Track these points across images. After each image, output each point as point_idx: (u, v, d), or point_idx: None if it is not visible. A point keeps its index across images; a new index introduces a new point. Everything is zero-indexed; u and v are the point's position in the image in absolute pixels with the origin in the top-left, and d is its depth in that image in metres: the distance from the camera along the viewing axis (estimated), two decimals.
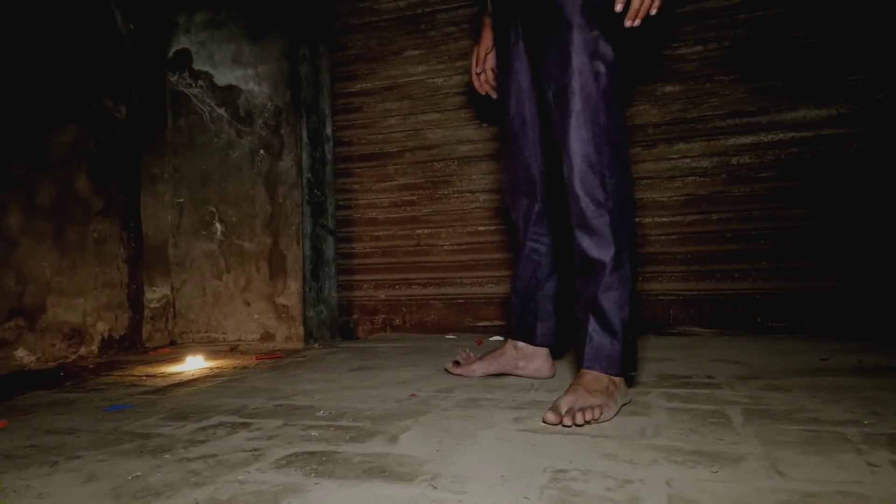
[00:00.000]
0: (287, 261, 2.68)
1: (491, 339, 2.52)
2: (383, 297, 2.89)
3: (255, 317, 2.71)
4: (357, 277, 2.93)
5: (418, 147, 2.84)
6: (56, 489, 0.88)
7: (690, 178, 2.43)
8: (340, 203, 2.95)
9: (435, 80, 2.80)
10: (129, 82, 2.68)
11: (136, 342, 2.67)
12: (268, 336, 2.69)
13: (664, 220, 2.45)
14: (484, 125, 2.72)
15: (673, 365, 1.75)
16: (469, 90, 2.65)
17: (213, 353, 2.46)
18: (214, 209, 2.80)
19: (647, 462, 0.89)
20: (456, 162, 2.78)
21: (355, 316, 2.93)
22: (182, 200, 2.85)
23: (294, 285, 2.66)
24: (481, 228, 2.74)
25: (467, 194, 2.76)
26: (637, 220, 2.44)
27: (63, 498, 0.84)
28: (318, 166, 2.79)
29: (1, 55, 2.11)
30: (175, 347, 2.73)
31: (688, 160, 2.43)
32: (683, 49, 2.42)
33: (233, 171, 2.77)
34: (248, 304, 2.73)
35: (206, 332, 2.79)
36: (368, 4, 2.90)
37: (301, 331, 2.64)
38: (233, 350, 2.59)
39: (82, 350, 2.40)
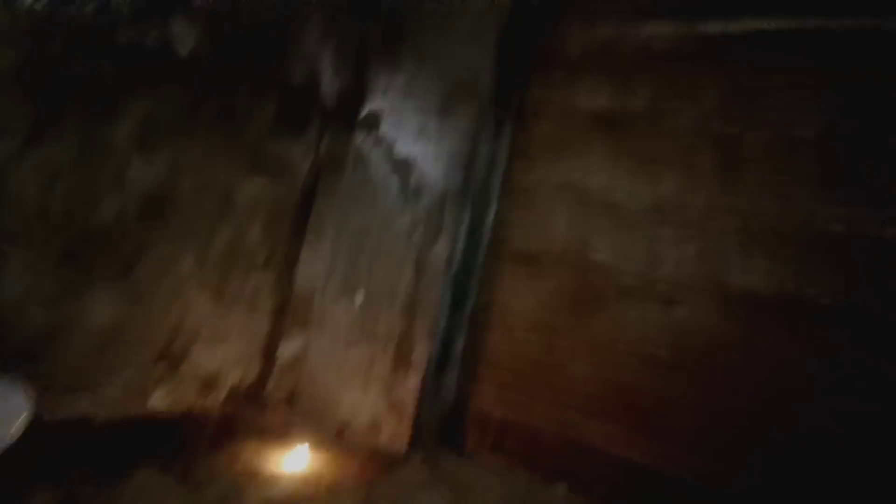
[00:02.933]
0: (414, 353, 2.60)
1: None
2: (499, 414, 2.68)
3: (369, 403, 2.66)
4: (478, 386, 2.76)
5: (578, 263, 2.60)
6: None
7: None
8: (481, 299, 2.81)
9: (617, 192, 2.52)
10: (320, 137, 2.78)
11: (259, 394, 2.76)
12: (375, 427, 2.62)
13: None
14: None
15: None
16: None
17: (317, 442, 2.45)
18: (362, 277, 2.81)
19: None
20: (615, 290, 2.50)
21: (467, 423, 2.77)
22: (336, 260, 2.91)
23: (413, 381, 2.57)
24: (625, 379, 2.43)
25: (618, 330, 2.47)
26: None
27: None
28: (469, 259, 2.69)
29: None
30: (291, 409, 2.77)
31: None
32: None
33: (388, 241, 2.75)
34: (366, 384, 2.70)
35: (323, 399, 2.80)
36: (562, 97, 2.71)
37: (408, 432, 2.54)
38: (339, 435, 2.56)
39: (210, 398, 2.51)
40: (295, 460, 2.17)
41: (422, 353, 2.58)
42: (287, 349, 2.86)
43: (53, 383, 1.93)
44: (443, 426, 2.72)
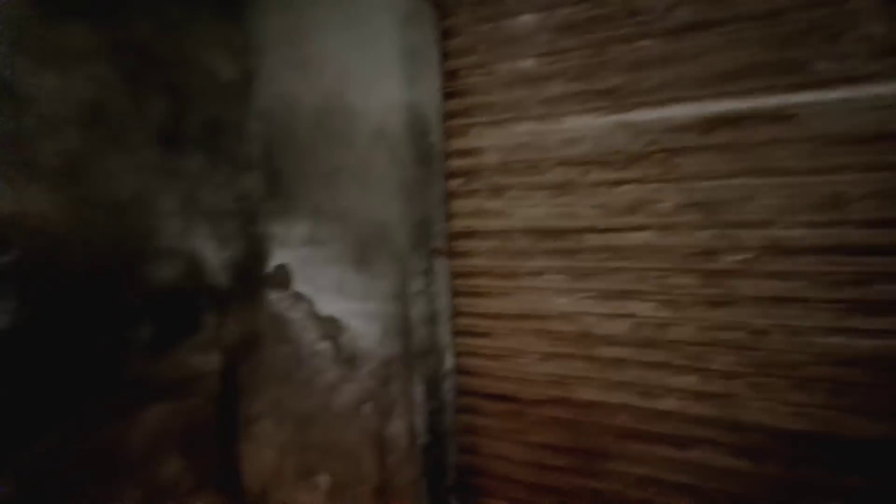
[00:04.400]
0: None
1: None
2: None
3: None
4: None
5: (562, 401, 2.16)
6: None
7: None
8: (465, 447, 2.38)
9: (587, 314, 2.09)
10: (220, 324, 2.30)
11: None
12: None
13: None
14: (655, 391, 1.97)
15: None
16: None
17: None
18: (318, 460, 2.38)
19: None
20: (616, 433, 2.07)
21: None
22: (283, 455, 2.48)
23: None
24: None
25: (630, 478, 2.04)
26: None
27: None
28: (435, 417, 2.25)
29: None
30: None
31: None
32: None
33: (337, 421, 2.33)
34: None
35: None
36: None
37: None
38: None
39: None
40: None
41: None
42: None
43: None
44: None
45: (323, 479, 2.38)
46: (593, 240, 2.05)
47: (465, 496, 2.37)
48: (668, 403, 1.96)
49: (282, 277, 2.36)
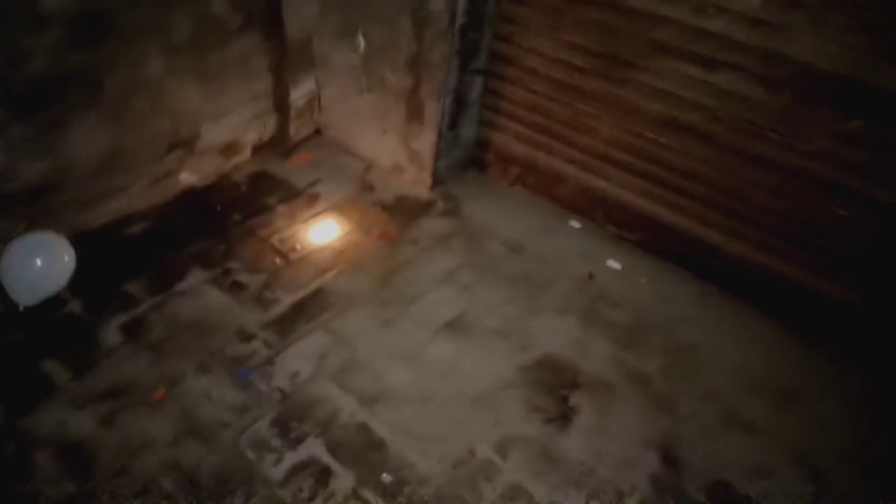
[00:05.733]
0: (425, 112, 2.46)
1: (607, 263, 2.41)
2: (521, 152, 2.66)
3: (390, 147, 2.69)
4: (500, 120, 2.66)
5: (609, 5, 2.10)
6: None
7: None
8: (500, 34, 2.43)
9: None
10: None
11: (284, 138, 2.82)
12: (398, 169, 2.72)
13: None
14: (709, 10, 1.91)
15: None
16: None
17: (347, 173, 2.68)
18: (358, 22, 2.45)
19: None
20: (650, 45, 2.09)
21: (490, 156, 2.79)
22: (324, 9, 2.50)
23: (429, 136, 2.52)
24: (648, 134, 2.25)
25: (649, 90, 2.17)
26: None
27: None
28: (478, 7, 2.23)
29: None
30: (318, 142, 2.86)
31: None
32: None
33: None
34: (384, 131, 2.67)
35: (345, 136, 2.85)
36: None
37: (429, 178, 2.64)
38: (366, 173, 2.71)
39: (236, 159, 2.63)
40: (324, 231, 2.38)
41: (432, 111, 2.44)
42: (298, 95, 2.75)
43: (80, 204, 2.11)
44: (465, 159, 2.78)
45: (360, 41, 2.49)
46: None
47: (489, 79, 2.53)
48: (717, 24, 1.91)
49: None
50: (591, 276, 2.32)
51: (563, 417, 1.79)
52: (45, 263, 1.84)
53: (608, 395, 1.87)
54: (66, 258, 1.89)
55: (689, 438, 1.76)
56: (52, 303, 1.90)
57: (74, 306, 1.93)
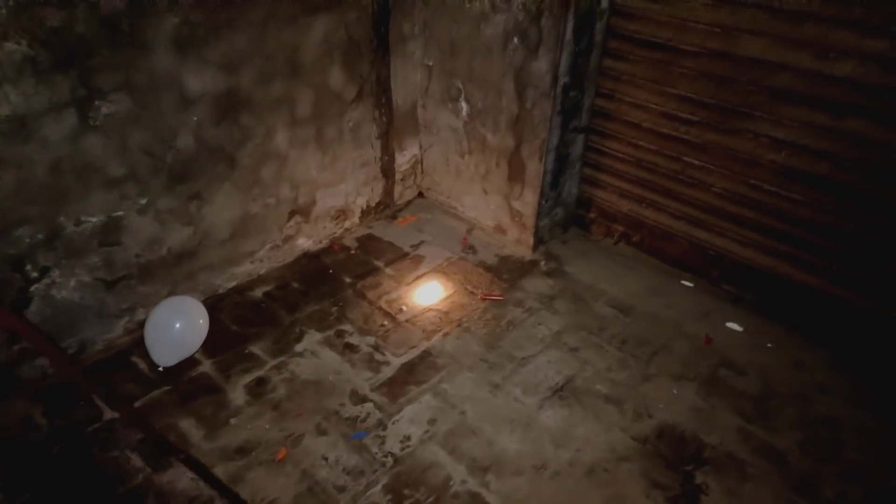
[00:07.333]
0: (526, 171, 2.49)
1: (727, 325, 2.26)
2: (626, 209, 2.61)
3: (491, 207, 2.73)
4: (603, 177, 2.63)
5: (722, 54, 2.05)
6: None
7: None
8: (602, 91, 2.43)
9: None
10: None
11: (390, 202, 2.95)
12: (500, 230, 2.74)
13: None
14: (831, 55, 1.81)
15: None
16: None
17: (450, 235, 2.74)
18: (461, 86, 2.56)
19: None
20: (767, 93, 2.00)
21: (592, 214, 2.75)
22: (431, 63, 2.64)
23: (530, 196, 2.53)
24: (767, 188, 2.13)
25: (765, 139, 2.06)
26: None
27: None
28: (580, 60, 2.25)
29: None
30: (421, 205, 2.96)
31: None
32: None
33: (482, 50, 2.39)
34: (485, 192, 2.72)
35: (448, 197, 2.93)
36: None
37: (531, 238, 2.63)
38: (468, 234, 2.76)
39: (346, 224, 2.78)
40: (429, 293, 2.43)
41: (534, 171, 2.46)
42: (404, 160, 2.89)
43: (213, 269, 2.30)
44: (568, 219, 2.76)
45: (462, 105, 2.58)
46: None
47: (591, 136, 2.52)
48: (845, 68, 1.80)
49: None
50: (708, 339, 2.18)
51: (688, 496, 1.66)
52: (184, 327, 2.01)
53: (739, 474, 1.71)
54: (202, 321, 2.06)
55: None
56: (188, 363, 2.07)
57: (206, 367, 2.08)
